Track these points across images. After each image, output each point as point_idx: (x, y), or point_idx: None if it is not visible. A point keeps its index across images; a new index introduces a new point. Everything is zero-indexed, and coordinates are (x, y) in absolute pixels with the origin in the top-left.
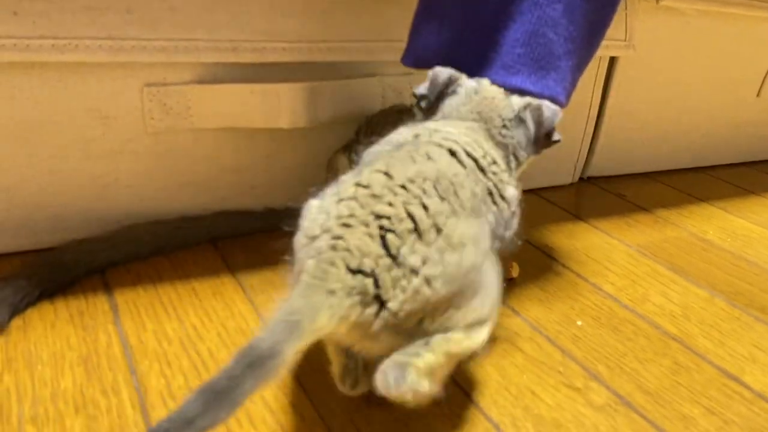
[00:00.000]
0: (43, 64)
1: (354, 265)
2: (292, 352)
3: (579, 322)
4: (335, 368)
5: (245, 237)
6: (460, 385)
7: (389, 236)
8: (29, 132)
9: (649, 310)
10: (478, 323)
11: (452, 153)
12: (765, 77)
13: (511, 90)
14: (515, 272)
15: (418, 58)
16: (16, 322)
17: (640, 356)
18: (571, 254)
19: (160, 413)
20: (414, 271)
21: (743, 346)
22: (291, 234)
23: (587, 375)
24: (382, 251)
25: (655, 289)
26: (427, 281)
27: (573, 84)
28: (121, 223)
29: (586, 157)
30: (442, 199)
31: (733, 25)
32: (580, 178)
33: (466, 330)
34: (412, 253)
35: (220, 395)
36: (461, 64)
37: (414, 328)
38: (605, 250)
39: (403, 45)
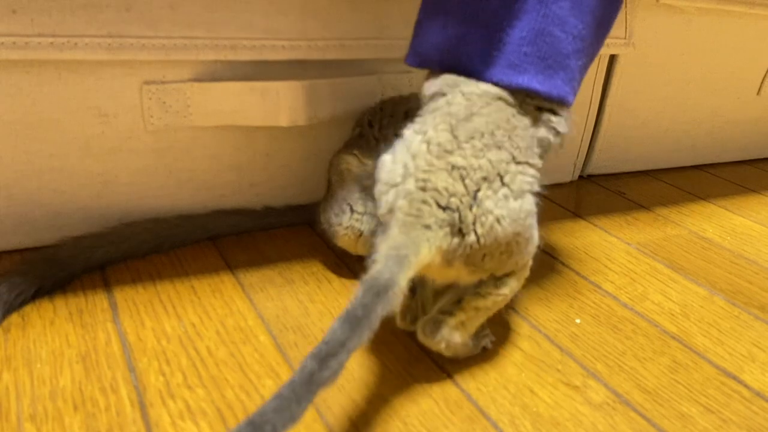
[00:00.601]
0: (42, 62)
1: (443, 202)
2: (405, 282)
3: (578, 321)
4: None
5: (244, 235)
6: (457, 383)
7: (467, 181)
8: (28, 130)
9: (648, 308)
10: (513, 272)
11: (498, 97)
12: (765, 75)
13: (518, 89)
14: None
15: (422, 57)
16: (15, 320)
17: (639, 355)
18: (571, 252)
19: (158, 411)
20: (489, 211)
21: (742, 344)
22: (290, 232)
23: (586, 373)
24: (465, 191)
25: (655, 287)
26: (498, 220)
27: (580, 83)
28: (120, 220)
29: (586, 155)
30: (499, 148)
31: (733, 23)
32: (580, 176)
33: (497, 283)
34: (486, 197)
35: (360, 321)
36: (465, 63)
37: (479, 262)
38: (605, 248)
39: (402, 43)
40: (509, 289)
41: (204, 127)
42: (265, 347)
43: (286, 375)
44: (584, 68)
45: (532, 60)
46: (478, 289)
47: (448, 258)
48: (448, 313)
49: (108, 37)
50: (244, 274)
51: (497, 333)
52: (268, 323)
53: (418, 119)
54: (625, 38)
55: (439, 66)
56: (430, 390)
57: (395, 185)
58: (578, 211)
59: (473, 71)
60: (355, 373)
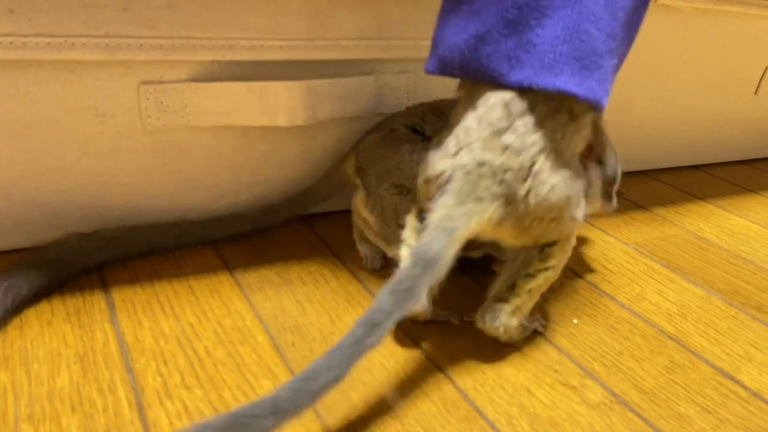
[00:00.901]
0: (40, 62)
1: (498, 177)
2: (452, 254)
3: (575, 320)
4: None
5: (243, 234)
6: (454, 383)
7: (522, 156)
8: (26, 130)
9: (645, 308)
10: (557, 242)
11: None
12: (763, 75)
13: (555, 92)
14: None
15: (441, 61)
16: (13, 320)
17: (636, 355)
18: None
19: (156, 412)
20: (543, 182)
21: (739, 344)
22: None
23: (583, 373)
24: (520, 166)
25: (652, 287)
26: (552, 188)
27: (612, 85)
28: (119, 220)
29: None
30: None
31: (731, 23)
32: None
33: (543, 257)
34: (541, 170)
35: (407, 291)
36: (489, 65)
37: (527, 226)
38: (602, 248)
39: (401, 43)
40: (556, 260)
41: (202, 127)
42: (263, 347)
43: (283, 375)
44: (616, 69)
45: (568, 60)
46: (527, 270)
47: (500, 224)
48: (504, 299)
49: (106, 37)
50: (242, 274)
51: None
52: (266, 323)
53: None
54: None
55: (461, 70)
56: (428, 390)
57: (449, 155)
58: None
59: (499, 74)
60: (353, 373)
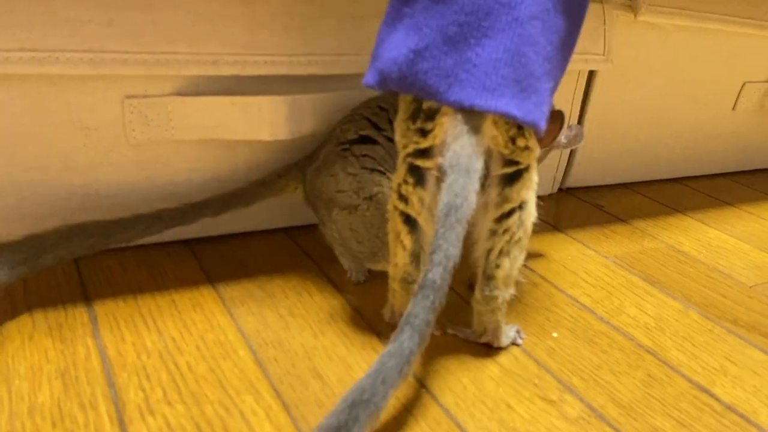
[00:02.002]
0: (24, 76)
1: None
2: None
3: (555, 334)
4: (394, 301)
5: (226, 247)
6: (436, 398)
7: None
8: (8, 143)
9: (624, 322)
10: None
11: None
12: (740, 91)
13: (495, 115)
14: None
15: (381, 75)
16: None
17: (614, 368)
18: (549, 265)
19: (138, 427)
20: None
21: (715, 358)
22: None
23: (562, 387)
24: None
25: (631, 300)
26: None
27: (549, 108)
28: None
29: (566, 168)
30: None
31: (709, 40)
32: (560, 189)
33: (508, 201)
34: None
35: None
36: (429, 83)
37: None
38: (582, 261)
39: None
40: (521, 196)
41: (186, 140)
42: (245, 362)
43: (265, 391)
44: (552, 92)
45: (509, 83)
46: (501, 227)
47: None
48: (494, 268)
49: (90, 52)
50: (224, 287)
51: (479, 347)
52: (248, 338)
53: None
54: (603, 54)
55: (398, 85)
56: (409, 405)
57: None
58: (557, 224)
59: (437, 91)
60: (335, 388)
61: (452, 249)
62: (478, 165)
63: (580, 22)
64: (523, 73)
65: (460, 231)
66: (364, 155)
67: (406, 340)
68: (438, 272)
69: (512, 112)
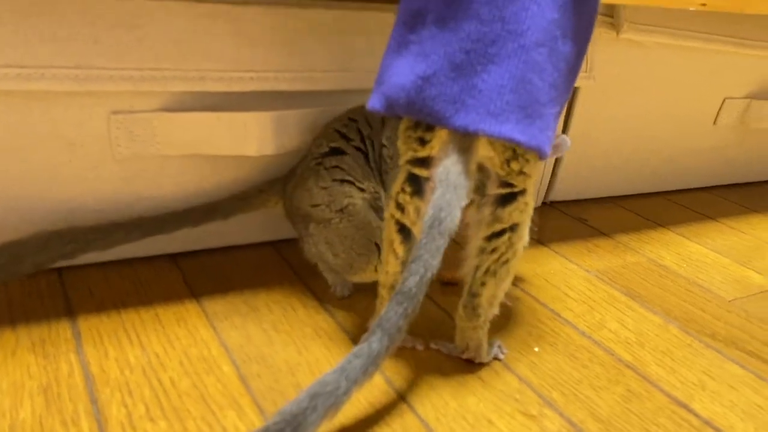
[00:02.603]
0: (9, 92)
1: None
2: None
3: (536, 349)
4: (381, 309)
5: (210, 261)
6: (417, 413)
7: None
8: None
9: (605, 336)
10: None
11: None
12: (721, 106)
13: (500, 140)
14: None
15: (387, 100)
16: None
17: (595, 383)
18: (532, 279)
19: None
20: None
21: (693, 373)
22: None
23: (542, 402)
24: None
25: (612, 315)
26: None
27: (554, 132)
28: None
29: (550, 182)
30: None
31: (690, 57)
32: (544, 203)
33: (500, 221)
34: None
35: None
36: (434, 108)
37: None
38: (565, 276)
39: (369, 75)
40: (514, 219)
41: (171, 155)
42: (228, 378)
43: (248, 407)
44: (557, 117)
45: (514, 109)
46: (490, 246)
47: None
48: (480, 285)
49: (76, 69)
50: (208, 301)
51: (461, 363)
52: (231, 353)
53: None
54: (586, 71)
55: (405, 110)
56: (390, 420)
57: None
58: (541, 238)
59: (443, 116)
60: None
61: (431, 260)
62: (466, 182)
63: (586, 46)
64: (528, 99)
65: (441, 243)
66: (334, 167)
67: (376, 341)
68: (414, 281)
69: (516, 137)
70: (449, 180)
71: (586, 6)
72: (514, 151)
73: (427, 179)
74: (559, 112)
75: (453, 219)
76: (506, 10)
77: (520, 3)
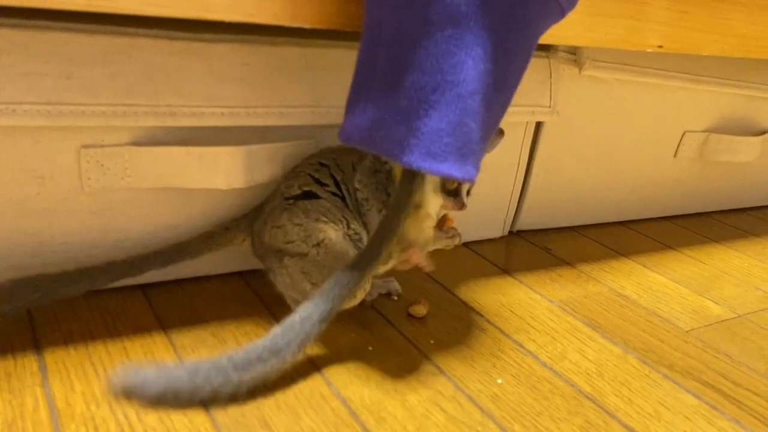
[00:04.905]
0: None
1: None
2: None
3: (499, 380)
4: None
5: (181, 291)
6: None
7: None
8: None
9: (566, 367)
10: None
11: None
12: (681, 140)
13: (438, 175)
14: (425, 310)
15: (349, 135)
16: None
17: (555, 415)
18: (497, 310)
19: None
20: None
21: (650, 403)
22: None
23: None
24: None
25: (573, 346)
26: None
27: (480, 161)
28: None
29: (515, 212)
30: None
31: (651, 93)
32: (510, 232)
33: None
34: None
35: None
36: (384, 147)
37: None
38: (529, 306)
39: (338, 111)
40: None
41: (142, 188)
42: (194, 412)
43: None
44: (485, 149)
45: (451, 150)
46: None
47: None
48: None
49: (48, 104)
50: (177, 333)
51: (423, 394)
52: None
53: None
54: (549, 107)
55: (362, 145)
56: None
57: None
58: (506, 268)
59: (392, 154)
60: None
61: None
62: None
63: (516, 86)
64: (463, 141)
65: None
66: (308, 209)
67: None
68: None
69: (453, 173)
70: None
71: (516, 56)
72: None
73: None
74: (486, 145)
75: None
76: (445, 63)
77: (457, 57)
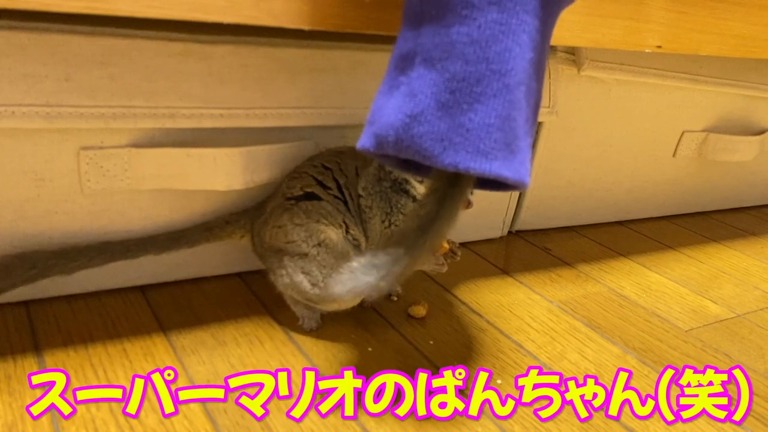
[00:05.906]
0: None
1: None
2: None
3: (499, 381)
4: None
5: (180, 292)
6: None
7: None
8: None
9: (565, 367)
10: None
11: None
12: (680, 139)
13: (488, 176)
14: (424, 310)
15: (378, 139)
16: None
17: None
18: (497, 310)
19: None
20: None
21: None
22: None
23: None
24: None
25: (573, 346)
26: None
27: (531, 163)
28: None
29: (515, 212)
30: None
31: (649, 92)
32: (509, 232)
33: None
34: None
35: None
36: (423, 146)
37: None
38: (528, 306)
39: (337, 111)
40: None
41: (141, 190)
42: (194, 413)
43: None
44: (531, 148)
45: (501, 146)
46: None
47: None
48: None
49: (46, 106)
50: (176, 335)
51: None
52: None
53: None
54: (549, 107)
55: (394, 148)
56: None
57: None
58: (506, 268)
59: (432, 154)
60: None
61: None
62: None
63: (543, 80)
64: (511, 136)
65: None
66: (310, 210)
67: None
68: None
69: (504, 173)
70: None
71: (548, 45)
72: None
73: None
74: (531, 143)
75: None
76: (490, 51)
77: (504, 44)
